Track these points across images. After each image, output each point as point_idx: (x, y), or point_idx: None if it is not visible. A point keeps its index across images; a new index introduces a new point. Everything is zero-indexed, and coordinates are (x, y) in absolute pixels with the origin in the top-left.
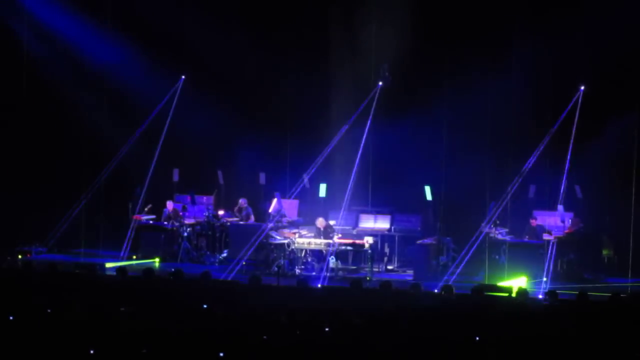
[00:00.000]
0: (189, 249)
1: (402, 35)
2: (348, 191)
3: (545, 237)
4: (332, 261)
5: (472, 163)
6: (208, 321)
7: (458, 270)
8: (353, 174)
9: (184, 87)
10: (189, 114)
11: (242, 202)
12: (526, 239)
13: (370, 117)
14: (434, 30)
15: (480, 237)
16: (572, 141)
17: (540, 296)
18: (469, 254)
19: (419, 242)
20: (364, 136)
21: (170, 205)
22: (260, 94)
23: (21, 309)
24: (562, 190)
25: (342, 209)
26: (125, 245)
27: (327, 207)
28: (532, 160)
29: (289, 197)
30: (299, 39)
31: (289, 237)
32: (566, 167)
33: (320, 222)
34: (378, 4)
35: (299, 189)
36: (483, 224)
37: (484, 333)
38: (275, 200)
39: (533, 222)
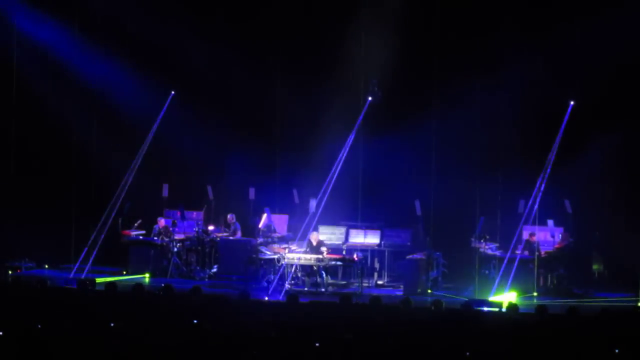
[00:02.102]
0: (179, 264)
1: (391, 51)
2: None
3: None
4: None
5: (461, 178)
6: (198, 336)
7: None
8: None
9: (174, 102)
10: (178, 129)
11: (230, 217)
12: (526, 254)
13: (361, 132)
14: (423, 45)
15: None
16: (553, 155)
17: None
18: (459, 269)
19: (408, 257)
20: (350, 150)
21: (161, 222)
22: (250, 109)
23: (10, 325)
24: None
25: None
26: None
27: (316, 222)
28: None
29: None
30: (288, 55)
31: (278, 253)
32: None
33: (314, 236)
34: (367, 19)
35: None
36: (473, 239)
37: (475, 348)
38: (265, 216)
39: (533, 238)
